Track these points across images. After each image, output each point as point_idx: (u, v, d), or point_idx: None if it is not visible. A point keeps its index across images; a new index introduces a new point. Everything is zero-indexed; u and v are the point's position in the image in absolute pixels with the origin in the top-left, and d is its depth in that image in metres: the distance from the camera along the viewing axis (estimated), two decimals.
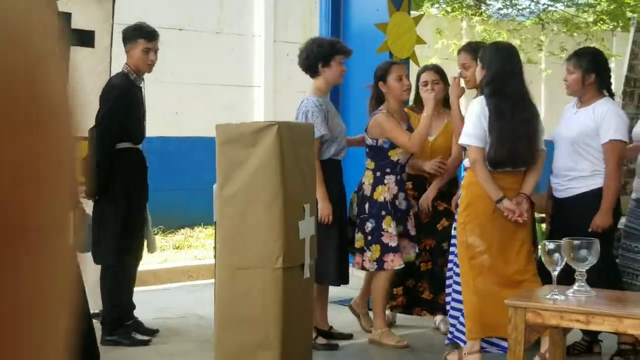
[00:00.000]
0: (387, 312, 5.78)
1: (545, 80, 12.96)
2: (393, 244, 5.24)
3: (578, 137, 4.87)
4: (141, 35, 5.26)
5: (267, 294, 3.74)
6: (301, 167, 3.94)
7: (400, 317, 5.90)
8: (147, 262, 7.60)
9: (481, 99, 4.71)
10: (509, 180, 4.74)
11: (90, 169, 4.87)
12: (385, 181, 5.30)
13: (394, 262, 5.25)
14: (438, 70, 5.71)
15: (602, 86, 4.92)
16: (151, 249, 5.50)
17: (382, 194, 5.27)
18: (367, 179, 5.37)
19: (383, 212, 5.25)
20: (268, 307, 3.73)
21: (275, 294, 3.73)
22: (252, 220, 3.79)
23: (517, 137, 4.61)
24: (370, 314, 5.61)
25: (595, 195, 4.77)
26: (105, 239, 5.09)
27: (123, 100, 5.14)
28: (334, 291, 5.92)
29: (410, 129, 5.34)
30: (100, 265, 5.21)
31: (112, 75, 5.49)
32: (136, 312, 5.42)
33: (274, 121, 3.87)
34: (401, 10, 7.56)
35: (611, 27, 14.76)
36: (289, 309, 3.77)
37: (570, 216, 4.89)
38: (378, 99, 5.43)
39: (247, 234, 3.80)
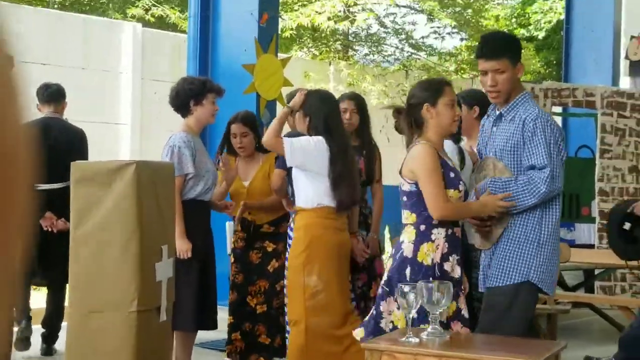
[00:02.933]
0: (225, 357, 5.70)
1: None
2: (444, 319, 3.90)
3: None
4: None
5: (121, 338, 3.63)
6: (160, 208, 3.87)
7: None
8: None
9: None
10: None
11: None
12: (433, 237, 3.93)
13: None
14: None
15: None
16: None
17: (429, 254, 3.93)
18: (407, 235, 3.99)
19: (430, 279, 3.83)
20: (121, 352, 3.62)
21: (129, 338, 3.62)
22: (107, 262, 3.68)
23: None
24: None
25: None
26: None
27: None
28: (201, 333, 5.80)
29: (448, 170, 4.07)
30: None
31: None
32: None
33: (132, 160, 3.79)
34: (269, 52, 7.63)
35: (471, 75, 15.36)
36: (143, 353, 3.66)
37: None
38: (416, 127, 4.07)
39: (102, 276, 3.69)
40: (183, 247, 5.04)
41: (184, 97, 5.28)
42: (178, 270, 4.70)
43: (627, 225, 5.21)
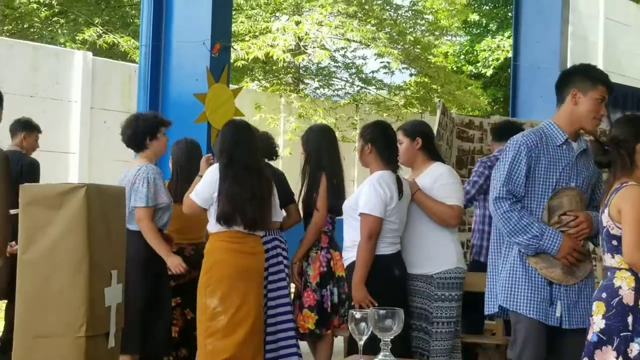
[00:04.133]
0: None
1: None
2: None
3: (346, 208, 5.00)
4: None
5: None
6: (110, 232, 3.83)
7: None
8: None
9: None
10: None
11: None
12: None
13: None
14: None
15: (384, 157, 4.86)
16: None
17: None
18: (625, 281, 3.67)
19: None
20: None
21: None
22: (55, 287, 3.62)
23: None
24: None
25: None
26: None
27: None
28: None
29: None
30: None
31: None
32: None
33: (82, 183, 3.75)
34: (220, 82, 7.65)
35: (420, 110, 15.55)
36: None
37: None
38: (624, 165, 3.74)
39: (50, 300, 3.62)
40: (175, 261, 5.25)
41: (141, 134, 5.38)
42: (151, 297, 5.17)
43: None
